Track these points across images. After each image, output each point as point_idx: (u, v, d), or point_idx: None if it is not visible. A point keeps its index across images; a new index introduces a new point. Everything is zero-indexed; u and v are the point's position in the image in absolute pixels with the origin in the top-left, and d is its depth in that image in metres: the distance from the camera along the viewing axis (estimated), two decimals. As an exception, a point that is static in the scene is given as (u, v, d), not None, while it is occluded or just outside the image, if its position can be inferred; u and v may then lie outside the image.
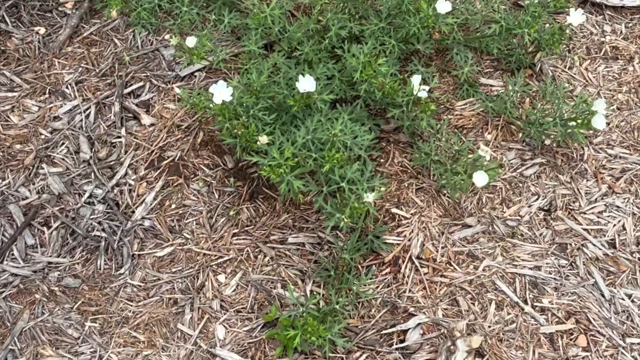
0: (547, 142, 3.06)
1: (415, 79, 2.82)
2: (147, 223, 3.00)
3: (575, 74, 3.30)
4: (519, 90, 3.11)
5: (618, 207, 2.96)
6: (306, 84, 2.75)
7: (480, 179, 2.62)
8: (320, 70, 2.99)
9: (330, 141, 2.59)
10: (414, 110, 2.87)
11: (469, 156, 2.77)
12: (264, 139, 2.70)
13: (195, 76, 3.36)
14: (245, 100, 2.76)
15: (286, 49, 3.22)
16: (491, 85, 3.25)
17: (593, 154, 3.08)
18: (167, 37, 3.02)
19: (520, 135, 3.10)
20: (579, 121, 2.82)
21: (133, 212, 3.04)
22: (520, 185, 3.01)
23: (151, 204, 3.04)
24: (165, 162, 3.14)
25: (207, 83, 3.32)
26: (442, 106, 3.20)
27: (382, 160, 3.08)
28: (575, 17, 2.99)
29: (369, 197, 2.49)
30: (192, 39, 2.92)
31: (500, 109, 3.08)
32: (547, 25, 3.19)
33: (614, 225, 2.92)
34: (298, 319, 2.58)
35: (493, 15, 3.16)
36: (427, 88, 2.82)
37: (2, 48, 3.47)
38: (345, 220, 2.50)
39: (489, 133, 3.12)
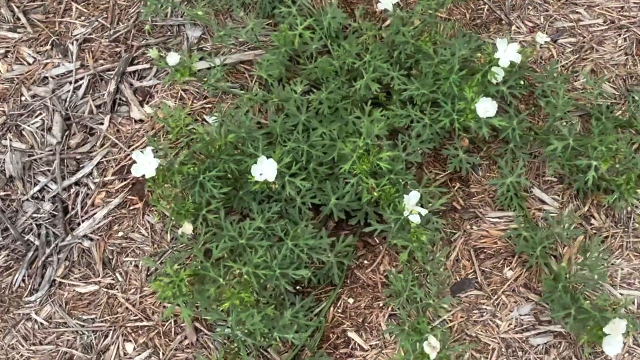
0: (576, 310, 2.32)
1: (412, 197, 2.14)
2: (86, 244, 2.56)
3: (662, 217, 2.48)
4: (571, 228, 2.36)
5: None
6: (265, 168, 2.16)
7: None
8: (315, 134, 2.36)
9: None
10: (401, 231, 2.20)
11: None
12: (187, 228, 2.16)
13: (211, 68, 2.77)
14: (189, 168, 2.19)
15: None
16: (543, 202, 2.49)
17: (630, 342, 2.33)
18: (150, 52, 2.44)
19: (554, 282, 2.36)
20: (592, 332, 2.08)
21: (79, 224, 2.60)
22: (520, 354, 2.32)
23: (99, 223, 2.58)
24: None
25: (223, 85, 2.74)
26: (472, 211, 2.49)
27: (365, 262, 2.46)
28: (660, 172, 2.17)
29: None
30: (173, 55, 2.33)
31: (535, 245, 2.34)
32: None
33: None
34: None
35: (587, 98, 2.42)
36: (424, 212, 2.13)
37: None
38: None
39: (511, 269, 2.41)
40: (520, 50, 2.24)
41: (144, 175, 2.10)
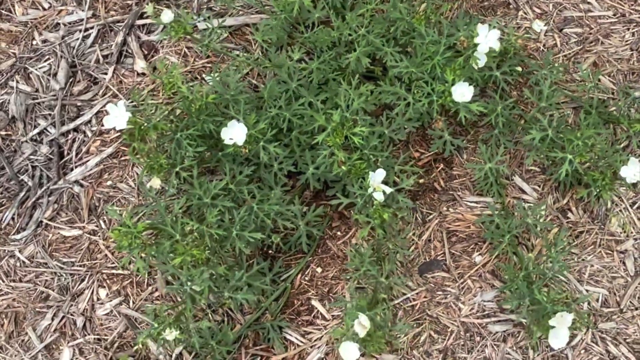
0: (538, 301, 2.31)
1: (377, 175, 2.15)
2: (76, 189, 2.64)
3: (642, 217, 2.45)
4: (545, 220, 2.35)
5: None
6: (235, 132, 2.19)
7: (347, 352, 1.99)
8: (298, 103, 2.38)
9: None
10: (366, 207, 2.22)
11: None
12: (155, 183, 2.21)
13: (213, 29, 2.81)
14: (164, 125, 2.24)
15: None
16: (523, 191, 2.48)
17: (588, 339, 2.32)
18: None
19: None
20: (541, 324, 2.08)
21: (72, 169, 2.68)
22: (477, 339, 2.33)
23: (90, 170, 2.66)
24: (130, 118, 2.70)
25: (222, 46, 2.78)
26: (451, 193, 2.50)
27: (338, 234, 2.48)
28: (631, 171, 2.15)
29: None
30: (168, 13, 2.37)
31: (504, 232, 2.34)
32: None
33: None
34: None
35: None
36: (388, 190, 2.14)
37: None
38: None
39: (480, 254, 2.41)
40: (506, 37, 2.23)
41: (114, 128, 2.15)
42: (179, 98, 2.62)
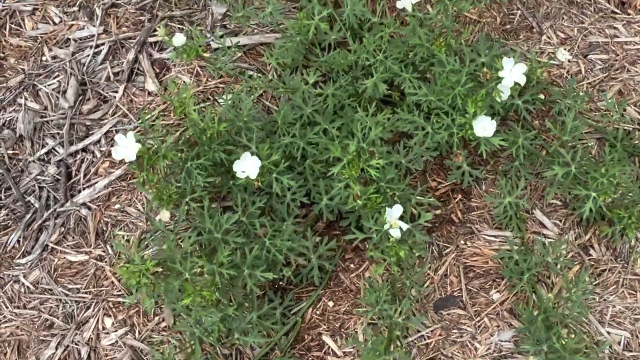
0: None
1: (394, 211, 2.07)
2: (84, 212, 2.57)
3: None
4: (567, 258, 2.28)
5: None
6: (247, 165, 2.12)
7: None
8: (313, 131, 2.31)
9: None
10: (382, 243, 2.14)
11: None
12: (164, 215, 2.14)
13: (226, 49, 2.73)
14: (174, 155, 2.17)
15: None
16: (543, 226, 2.40)
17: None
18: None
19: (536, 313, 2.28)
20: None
21: (79, 191, 2.61)
22: (494, 381, 2.25)
23: (98, 193, 2.59)
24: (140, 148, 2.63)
25: (236, 67, 2.70)
26: (468, 225, 2.41)
27: (351, 266, 2.41)
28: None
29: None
30: (180, 36, 2.29)
31: (524, 270, 2.26)
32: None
33: None
34: None
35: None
36: (405, 227, 2.06)
37: None
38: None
39: (498, 292, 2.33)
40: (529, 64, 2.15)
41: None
42: (189, 123, 2.55)
